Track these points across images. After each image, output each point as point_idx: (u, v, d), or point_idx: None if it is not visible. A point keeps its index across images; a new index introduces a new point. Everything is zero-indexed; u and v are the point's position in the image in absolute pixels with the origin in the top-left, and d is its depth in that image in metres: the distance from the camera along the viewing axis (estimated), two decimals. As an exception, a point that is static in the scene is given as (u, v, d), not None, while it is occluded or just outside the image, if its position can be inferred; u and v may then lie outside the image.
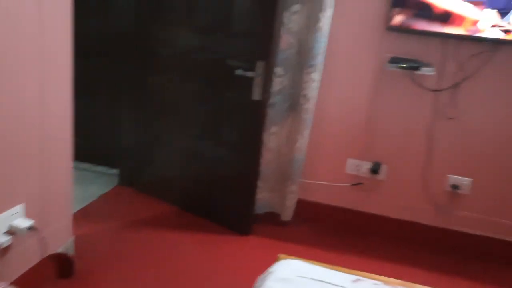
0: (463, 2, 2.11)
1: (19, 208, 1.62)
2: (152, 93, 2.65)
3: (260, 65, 2.19)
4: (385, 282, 1.31)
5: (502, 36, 2.11)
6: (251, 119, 2.33)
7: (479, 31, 2.14)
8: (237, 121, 2.42)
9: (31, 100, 1.57)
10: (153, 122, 2.69)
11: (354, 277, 1.31)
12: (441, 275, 2.29)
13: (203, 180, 2.60)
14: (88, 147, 2.93)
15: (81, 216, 2.42)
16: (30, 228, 1.62)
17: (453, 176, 2.44)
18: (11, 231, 1.59)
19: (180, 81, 2.53)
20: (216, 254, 2.30)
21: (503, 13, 2.08)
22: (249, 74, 2.21)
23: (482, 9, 2.09)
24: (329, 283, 1.24)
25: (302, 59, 2.36)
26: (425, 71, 2.25)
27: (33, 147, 1.63)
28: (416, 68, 2.25)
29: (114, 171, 2.96)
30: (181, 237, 2.41)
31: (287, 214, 2.61)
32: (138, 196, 2.78)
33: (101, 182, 2.90)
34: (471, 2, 2.10)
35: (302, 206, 2.63)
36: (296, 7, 2.29)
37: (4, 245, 1.56)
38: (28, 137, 1.60)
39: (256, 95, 2.23)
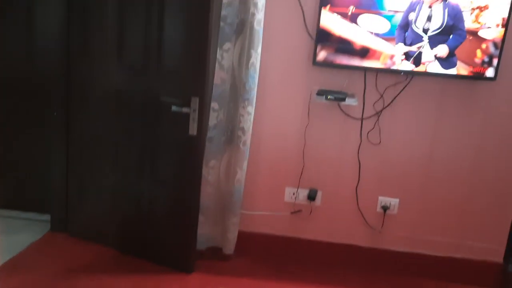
0: (376, 38, 2.33)
1: None
2: (82, 132, 2.58)
3: (195, 101, 2.23)
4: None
5: (413, 68, 2.34)
6: (189, 154, 2.35)
7: (394, 64, 2.36)
8: (175, 157, 2.42)
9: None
10: (85, 162, 2.60)
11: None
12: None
13: (141, 219, 2.53)
14: (15, 193, 2.76)
15: (10, 268, 2.25)
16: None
17: (382, 197, 2.60)
18: None
19: (112, 120, 2.49)
20: (159, 294, 2.24)
21: (411, 49, 2.32)
22: (185, 110, 2.25)
23: (394, 44, 2.33)
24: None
25: (237, 93, 2.44)
26: (350, 101, 2.43)
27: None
28: (342, 99, 2.42)
29: (45, 216, 2.80)
30: (121, 281, 2.32)
31: (230, 247, 2.61)
32: (72, 241, 2.64)
33: (31, 229, 2.72)
34: (384, 38, 2.33)
35: (244, 237, 2.65)
36: (228, 45, 2.39)
37: None
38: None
39: (193, 130, 2.26)
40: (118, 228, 2.60)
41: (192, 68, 2.26)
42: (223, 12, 2.32)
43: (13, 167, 2.70)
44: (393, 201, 2.59)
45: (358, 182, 2.59)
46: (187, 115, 2.25)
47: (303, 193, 2.63)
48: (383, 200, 2.60)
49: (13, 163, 2.71)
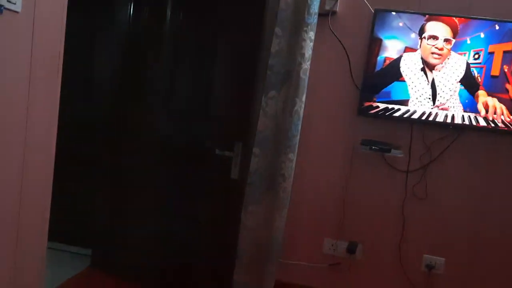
0: (425, 91, 2.30)
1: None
2: (127, 174, 2.65)
3: (238, 146, 2.27)
4: None
5: (465, 122, 2.28)
6: (228, 198, 2.36)
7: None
8: (215, 201, 2.43)
9: (11, 177, 1.57)
10: (128, 202, 2.66)
11: None
12: None
13: (177, 262, 2.53)
14: (61, 226, 2.85)
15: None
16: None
17: (427, 255, 2.47)
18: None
19: (157, 162, 2.55)
20: None
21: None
22: (227, 154, 2.29)
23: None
24: None
25: (279, 140, 2.45)
26: (395, 153, 2.38)
27: (8, 231, 1.59)
28: (387, 150, 2.37)
29: (86, 251, 2.86)
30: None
31: (265, 296, 2.53)
32: (109, 279, 2.66)
33: (72, 263, 2.79)
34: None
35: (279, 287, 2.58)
36: (273, 93, 2.43)
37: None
38: (3, 218, 1.57)
39: (235, 174, 2.28)
40: (155, 270, 2.60)
41: (237, 115, 2.31)
42: (270, 62, 2.38)
43: (61, 202, 2.81)
44: (439, 260, 2.45)
45: (402, 237, 2.48)
46: (229, 160, 2.28)
47: (343, 245, 2.55)
48: (428, 258, 2.46)
49: (63, 200, 2.82)
